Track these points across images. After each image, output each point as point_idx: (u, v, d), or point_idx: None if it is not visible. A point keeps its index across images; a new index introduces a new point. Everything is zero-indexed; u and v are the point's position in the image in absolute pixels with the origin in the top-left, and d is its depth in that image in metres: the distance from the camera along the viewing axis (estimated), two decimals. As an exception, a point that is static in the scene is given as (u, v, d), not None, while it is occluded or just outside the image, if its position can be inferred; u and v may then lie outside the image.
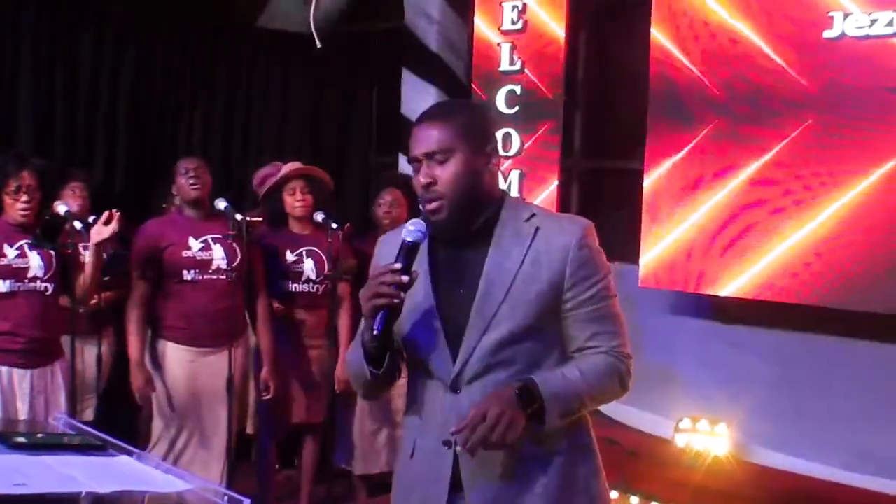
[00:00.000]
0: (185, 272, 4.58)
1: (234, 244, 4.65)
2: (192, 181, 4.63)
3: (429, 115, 2.30)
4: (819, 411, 5.15)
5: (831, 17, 4.91)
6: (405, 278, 2.16)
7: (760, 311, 5.36)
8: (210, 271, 4.61)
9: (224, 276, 4.62)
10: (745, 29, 5.22)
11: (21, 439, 2.31)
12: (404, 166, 6.55)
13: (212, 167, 5.68)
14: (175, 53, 6.04)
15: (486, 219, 2.29)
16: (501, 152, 6.22)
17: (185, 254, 4.58)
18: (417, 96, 6.64)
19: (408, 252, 2.19)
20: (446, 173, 2.23)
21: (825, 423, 5.10)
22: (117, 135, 5.77)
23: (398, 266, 2.16)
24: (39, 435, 2.39)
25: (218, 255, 4.63)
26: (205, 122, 6.19)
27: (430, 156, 2.24)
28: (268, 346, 4.83)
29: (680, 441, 5.43)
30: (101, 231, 4.11)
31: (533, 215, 2.30)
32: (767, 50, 5.14)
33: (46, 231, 4.19)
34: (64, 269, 4.26)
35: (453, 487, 2.26)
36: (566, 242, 2.25)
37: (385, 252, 2.38)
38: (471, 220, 2.27)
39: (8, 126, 5.42)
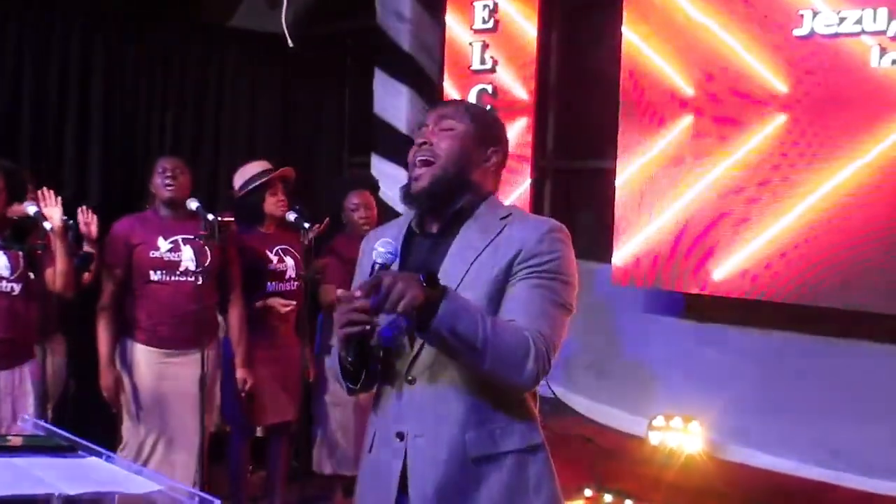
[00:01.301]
0: (152, 272, 4.53)
1: (206, 246, 4.61)
2: (167, 181, 4.58)
3: (444, 102, 2.40)
4: (791, 408, 5.19)
5: (801, 16, 4.94)
6: (369, 303, 2.11)
7: (732, 308, 5.39)
8: (178, 272, 4.57)
9: (192, 278, 4.58)
10: (715, 27, 5.25)
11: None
12: (377, 165, 6.56)
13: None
14: (145, 52, 5.98)
15: (462, 207, 2.31)
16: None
17: (153, 254, 4.53)
18: (390, 96, 6.65)
19: (375, 275, 2.16)
20: (444, 142, 2.31)
21: (797, 420, 5.15)
22: (87, 135, 5.71)
23: (358, 294, 2.12)
24: (7, 437, 2.36)
25: (187, 256, 4.57)
26: (175, 122, 6.14)
27: (437, 120, 2.33)
28: (243, 346, 4.80)
29: (654, 439, 5.45)
30: (52, 212, 4.10)
31: (509, 215, 2.33)
32: (738, 48, 5.17)
33: (16, 232, 4.15)
34: (35, 270, 4.22)
35: (403, 481, 2.26)
36: (529, 233, 2.26)
37: (367, 248, 2.42)
38: (448, 198, 2.30)
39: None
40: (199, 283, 4.55)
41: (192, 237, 4.56)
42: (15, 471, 2.05)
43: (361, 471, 2.45)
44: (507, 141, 2.47)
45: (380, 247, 2.17)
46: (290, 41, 5.69)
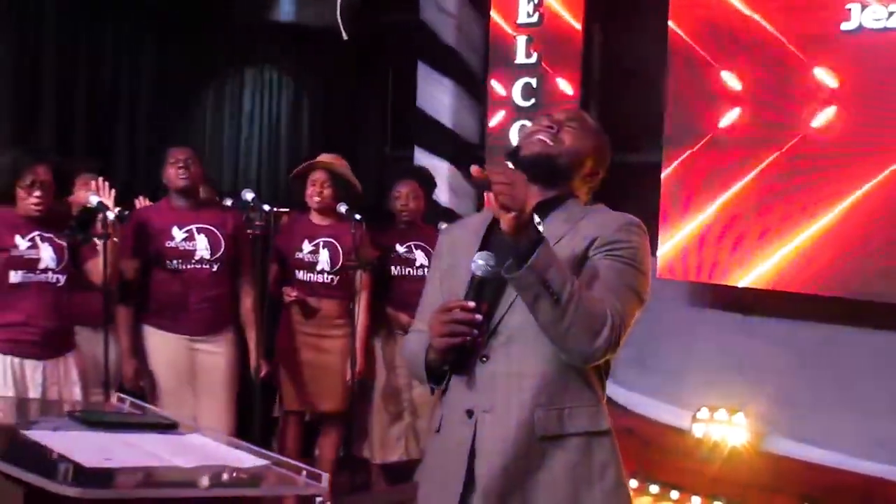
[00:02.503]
0: (168, 261, 4.64)
1: (220, 234, 4.72)
2: (180, 171, 4.71)
3: (584, 113, 2.56)
4: (836, 400, 5.17)
5: (849, 10, 4.91)
6: (479, 317, 2.23)
7: (778, 300, 5.38)
8: (194, 261, 4.68)
9: (207, 266, 4.69)
10: (762, 21, 5.23)
11: (99, 418, 2.36)
12: (420, 159, 6.59)
13: (227, 160, 5.76)
14: (189, 48, 6.07)
15: (550, 199, 2.38)
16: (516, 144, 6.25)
17: (169, 243, 4.65)
18: (433, 89, 6.68)
19: (478, 287, 2.25)
20: (567, 136, 2.40)
21: (842, 413, 5.12)
22: (137, 129, 5.81)
23: (471, 305, 2.23)
24: (114, 415, 2.43)
25: (202, 245, 4.70)
26: (218, 116, 6.22)
27: (568, 119, 2.43)
28: (255, 333, 4.88)
29: (697, 431, 5.46)
30: (106, 203, 4.22)
31: (591, 208, 2.43)
32: (785, 42, 5.16)
33: (80, 222, 4.24)
34: (76, 261, 4.30)
35: (471, 457, 2.31)
36: (608, 223, 2.35)
37: (447, 241, 2.54)
38: (547, 177, 2.37)
39: (30, 120, 5.46)
40: (214, 270, 4.67)
41: (206, 226, 4.67)
42: (129, 445, 2.12)
43: (429, 451, 2.54)
44: (607, 169, 2.54)
45: (480, 259, 2.24)
46: (344, 34, 5.73)
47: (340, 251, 5.05)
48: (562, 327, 2.17)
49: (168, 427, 2.35)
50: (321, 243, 5.06)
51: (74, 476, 1.79)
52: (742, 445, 5.34)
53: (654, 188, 5.63)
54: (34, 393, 4.18)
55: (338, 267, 5.05)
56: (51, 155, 4.42)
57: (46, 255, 4.21)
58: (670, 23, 5.56)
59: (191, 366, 4.71)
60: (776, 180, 5.22)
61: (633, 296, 2.31)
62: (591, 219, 2.36)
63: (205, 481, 1.95)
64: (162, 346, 4.70)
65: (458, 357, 2.30)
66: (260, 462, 2.09)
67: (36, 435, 2.13)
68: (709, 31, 5.45)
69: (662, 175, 5.61)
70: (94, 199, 4.26)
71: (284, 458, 2.22)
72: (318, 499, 2.07)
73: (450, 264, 2.48)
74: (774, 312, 5.49)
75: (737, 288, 5.50)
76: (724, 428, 5.39)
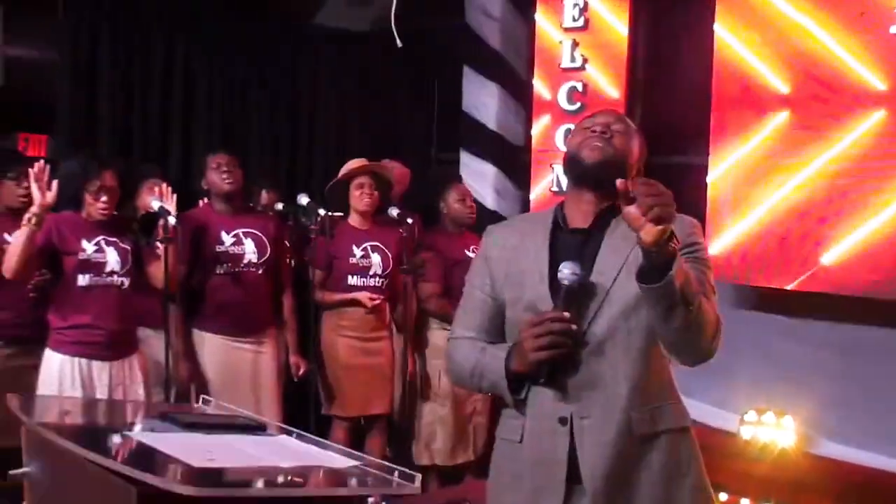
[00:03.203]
0: (218, 265, 4.72)
1: (264, 238, 4.80)
2: (225, 175, 4.78)
3: (621, 114, 2.59)
4: (884, 403, 5.17)
5: (898, 12, 4.93)
6: (574, 326, 2.27)
7: (825, 303, 5.38)
8: (242, 264, 4.76)
9: (254, 269, 4.77)
10: (810, 23, 5.24)
11: (193, 420, 2.42)
12: (466, 161, 6.65)
13: (276, 163, 5.83)
14: (238, 53, 6.15)
15: (611, 206, 2.40)
16: (563, 148, 6.29)
17: (219, 248, 4.73)
18: (479, 93, 6.74)
19: (568, 296, 2.29)
20: (618, 139, 2.45)
21: (890, 415, 5.13)
22: (192, 134, 5.90)
23: (567, 315, 2.26)
24: (206, 416, 2.49)
25: (249, 248, 4.77)
26: (268, 120, 6.29)
27: (612, 122, 2.48)
28: (294, 334, 5.00)
29: (746, 433, 5.47)
30: (168, 208, 4.31)
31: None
32: (833, 44, 5.16)
33: (144, 226, 4.33)
34: (139, 264, 4.39)
35: (571, 464, 2.34)
36: (678, 227, 2.31)
37: (494, 242, 2.55)
38: (607, 185, 2.33)
39: (88, 126, 5.56)
40: (260, 273, 4.75)
41: (251, 230, 4.74)
42: (226, 446, 2.17)
43: (505, 462, 2.50)
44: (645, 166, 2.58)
45: (566, 269, 2.29)
46: (398, 41, 5.79)
47: (389, 255, 5.10)
48: (690, 333, 2.23)
49: (257, 429, 2.41)
50: (370, 247, 5.11)
51: (185, 475, 1.84)
52: (790, 448, 5.36)
53: (701, 190, 5.65)
54: (101, 393, 4.27)
55: (388, 271, 5.10)
56: (116, 161, 4.52)
57: (112, 258, 4.31)
58: (717, 26, 5.58)
59: (241, 367, 4.78)
60: (824, 184, 5.23)
61: (714, 288, 2.39)
62: None
63: (306, 481, 2.00)
64: (212, 348, 4.77)
65: (552, 368, 2.31)
66: (351, 462, 2.14)
67: (138, 435, 2.19)
68: (755, 34, 5.46)
69: (709, 178, 5.62)
70: (156, 204, 4.35)
71: (373, 459, 2.27)
72: (371, 499, 2.11)
73: (508, 272, 2.48)
74: (820, 315, 5.49)
75: (781, 290, 5.51)
76: (773, 430, 5.40)
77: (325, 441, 2.53)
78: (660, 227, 2.09)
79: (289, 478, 2.02)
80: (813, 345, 5.47)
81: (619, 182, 2.13)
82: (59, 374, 4.27)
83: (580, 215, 2.45)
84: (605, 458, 2.33)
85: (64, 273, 4.30)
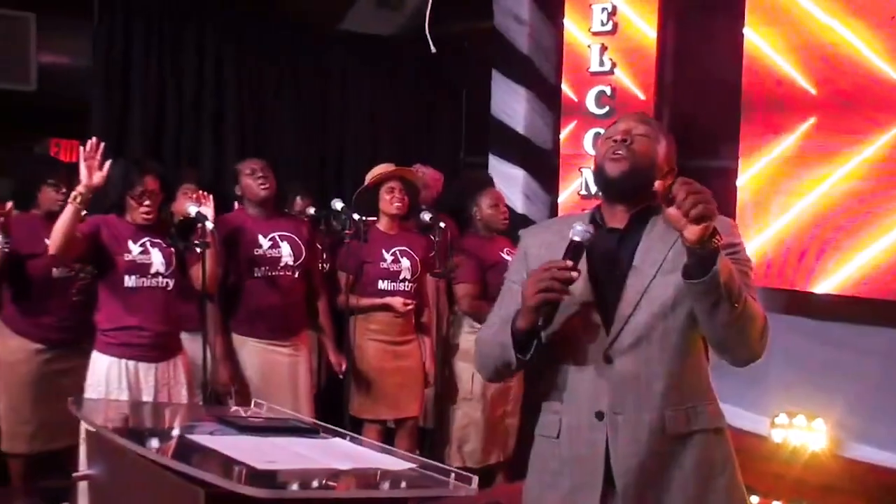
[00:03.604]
0: (256, 268, 4.77)
1: (299, 241, 4.85)
2: (260, 181, 4.84)
3: (641, 114, 2.61)
4: None
5: (929, 16, 4.93)
6: (575, 274, 2.28)
7: (853, 307, 5.38)
8: (279, 267, 4.81)
9: (290, 273, 4.82)
10: (839, 27, 5.25)
11: (248, 423, 2.46)
12: (494, 165, 6.68)
13: (307, 168, 5.88)
14: (268, 57, 6.20)
15: (646, 208, 2.45)
16: (593, 152, 6.29)
17: (257, 251, 4.78)
18: (507, 97, 6.77)
19: (575, 250, 2.32)
20: (641, 145, 2.45)
21: None
22: (223, 139, 5.95)
23: (570, 263, 2.29)
24: (258, 420, 2.53)
25: (286, 252, 4.83)
26: (299, 125, 6.34)
27: (635, 125, 2.49)
28: (332, 333, 5.08)
29: (776, 436, 5.48)
30: (206, 212, 4.35)
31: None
32: (863, 49, 5.17)
33: (181, 230, 4.39)
34: (182, 267, 4.44)
35: (607, 458, 2.37)
36: (719, 225, 2.36)
37: (534, 241, 2.59)
38: (635, 193, 2.44)
39: (121, 132, 5.61)
40: (296, 276, 4.81)
41: (286, 234, 4.80)
42: (283, 449, 2.21)
43: (542, 460, 2.53)
44: (675, 173, 2.58)
45: (578, 226, 2.34)
46: (432, 47, 5.83)
47: (417, 260, 5.15)
48: (735, 329, 2.25)
49: (311, 431, 2.44)
50: (398, 252, 5.15)
51: (251, 477, 1.88)
52: (821, 451, 5.36)
53: (730, 194, 5.66)
54: (147, 395, 4.33)
55: (416, 275, 5.15)
56: (157, 166, 4.57)
57: (157, 260, 4.37)
58: (746, 30, 5.59)
59: (278, 370, 4.82)
60: (854, 188, 5.23)
61: (754, 288, 2.41)
62: None
63: (367, 483, 2.03)
64: (250, 351, 4.82)
65: (548, 315, 2.33)
66: (407, 465, 2.17)
67: (199, 438, 2.23)
68: (785, 37, 5.48)
69: (738, 181, 5.64)
70: (193, 209, 4.39)
71: (428, 461, 2.31)
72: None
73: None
74: (852, 319, 5.49)
75: (811, 294, 5.51)
76: (803, 433, 5.41)
77: (378, 443, 2.57)
78: (702, 225, 2.11)
79: (351, 480, 2.05)
80: (843, 348, 5.47)
81: (657, 184, 2.20)
82: (105, 375, 4.33)
83: (616, 218, 2.49)
84: (636, 455, 2.36)
85: (110, 275, 4.36)
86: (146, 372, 4.37)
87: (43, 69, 6.47)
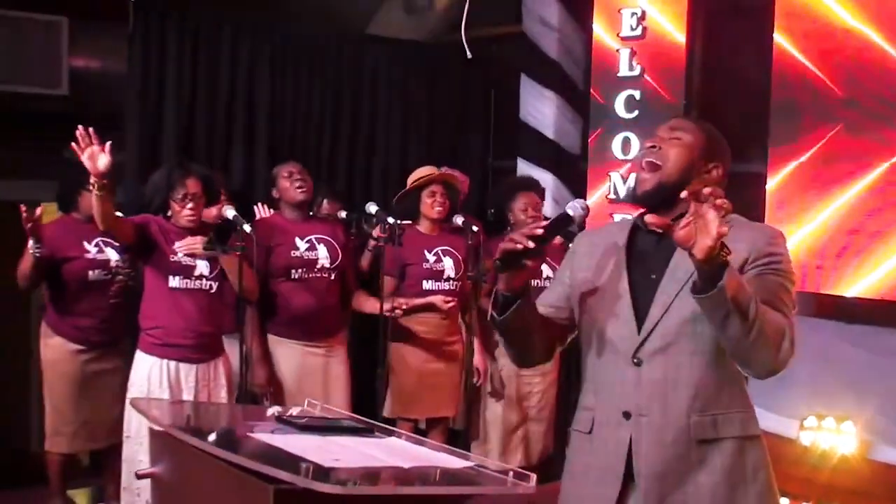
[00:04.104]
0: (293, 271, 4.83)
1: (335, 244, 4.91)
2: (298, 184, 4.92)
3: (685, 116, 2.56)
4: None
5: (960, 20, 4.96)
6: (539, 231, 2.36)
7: (881, 310, 5.40)
8: (316, 269, 4.87)
9: (327, 275, 4.88)
10: (869, 32, 5.26)
11: (307, 422, 2.50)
12: (523, 170, 6.71)
13: (335, 172, 5.94)
14: (298, 61, 6.24)
15: (684, 213, 2.43)
16: (622, 156, 6.36)
17: (294, 253, 4.85)
18: (536, 101, 6.80)
19: (559, 220, 2.44)
20: (672, 149, 2.49)
21: None
22: (254, 142, 6.00)
23: (543, 224, 2.39)
24: (316, 420, 2.57)
25: (322, 254, 4.90)
26: (327, 129, 6.37)
27: (669, 130, 2.52)
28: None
29: (805, 439, 5.49)
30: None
31: (729, 221, 2.46)
32: (893, 52, 5.19)
33: (219, 234, 4.45)
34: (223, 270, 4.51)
35: (630, 457, 2.42)
36: (758, 236, 2.44)
37: (584, 240, 2.70)
38: (669, 201, 2.45)
39: (154, 137, 5.67)
40: (332, 278, 4.87)
41: (323, 236, 4.86)
42: (345, 448, 2.25)
43: (576, 454, 2.60)
44: (729, 159, 2.63)
45: (576, 202, 2.46)
46: (468, 52, 5.87)
47: (461, 260, 5.20)
48: (748, 342, 2.25)
49: (366, 431, 2.49)
50: (441, 252, 5.21)
51: (319, 474, 1.92)
52: (850, 454, 5.37)
53: (759, 198, 5.68)
54: (187, 395, 4.41)
55: (460, 275, 5.19)
56: (200, 168, 4.64)
57: (201, 262, 4.45)
58: (776, 35, 5.61)
59: (314, 371, 4.89)
60: (883, 192, 5.25)
61: (792, 307, 2.41)
62: (739, 232, 2.40)
63: (433, 480, 2.08)
64: (286, 353, 4.89)
65: (509, 261, 2.37)
66: (466, 463, 2.22)
67: (263, 437, 2.27)
68: (815, 42, 5.50)
69: (767, 185, 5.66)
70: (230, 213, 4.46)
71: (484, 459, 2.36)
72: None
73: (590, 265, 2.60)
74: (881, 322, 5.51)
75: (841, 297, 5.53)
76: (833, 436, 5.42)
77: (433, 442, 2.62)
78: (708, 244, 2.13)
79: (414, 478, 2.09)
80: (873, 351, 5.48)
81: (683, 193, 2.21)
82: (147, 375, 4.41)
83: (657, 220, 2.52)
84: (659, 457, 2.40)
85: (155, 275, 4.43)
86: (187, 372, 4.44)
87: (74, 73, 6.53)
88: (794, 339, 2.35)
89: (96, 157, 4.01)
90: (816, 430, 5.47)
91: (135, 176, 5.41)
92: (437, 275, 5.19)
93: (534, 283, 5.14)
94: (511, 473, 2.11)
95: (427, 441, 2.54)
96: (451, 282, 5.21)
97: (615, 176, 6.39)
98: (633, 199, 2.54)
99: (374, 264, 5.27)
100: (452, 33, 6.98)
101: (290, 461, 1.97)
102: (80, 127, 4.03)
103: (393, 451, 2.28)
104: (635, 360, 2.44)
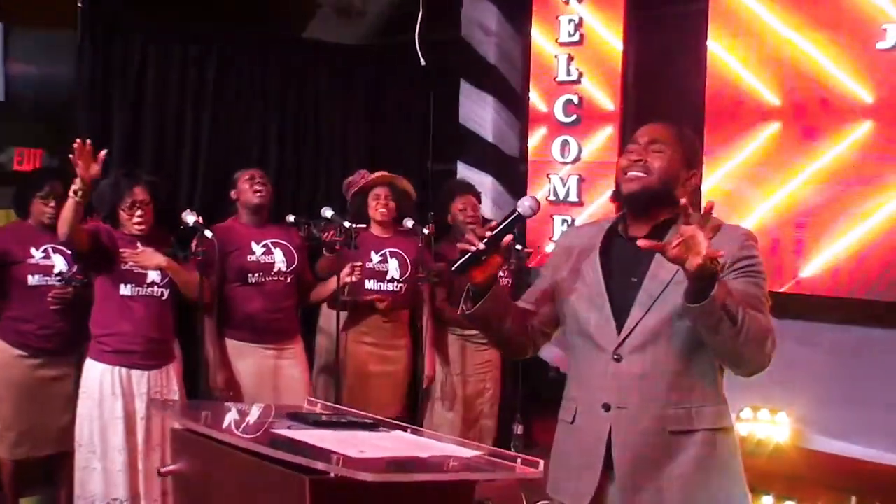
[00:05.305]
0: (249, 275, 4.88)
1: (291, 248, 4.97)
2: (257, 188, 4.96)
3: (660, 121, 2.71)
4: (871, 399, 5.38)
5: (884, 29, 5.18)
6: (488, 233, 2.50)
7: (814, 305, 5.60)
8: (272, 273, 4.93)
9: (283, 279, 4.94)
10: (799, 39, 5.51)
11: (318, 418, 2.56)
12: (463, 173, 6.82)
13: (279, 175, 5.96)
14: (239, 65, 6.23)
15: (665, 220, 2.61)
16: (560, 159, 6.52)
17: (250, 258, 4.90)
18: (475, 105, 6.93)
19: (511, 219, 2.54)
20: (656, 160, 2.60)
21: (874, 410, 5.34)
22: (201, 151, 6.00)
23: (492, 225, 2.53)
24: (324, 417, 2.63)
25: (279, 258, 4.96)
26: (276, 134, 6.36)
27: (650, 142, 2.62)
28: None
29: (742, 430, 5.70)
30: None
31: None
32: (823, 60, 5.43)
33: (181, 240, 4.47)
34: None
35: (608, 447, 2.55)
36: (732, 241, 2.55)
37: (564, 242, 2.84)
38: (652, 207, 2.60)
39: (101, 145, 5.62)
40: (288, 282, 4.94)
41: (279, 241, 4.92)
42: (363, 440, 2.29)
43: (561, 443, 2.72)
44: (702, 161, 2.77)
45: (526, 201, 2.56)
46: (422, 59, 5.95)
47: (408, 262, 5.27)
48: (738, 344, 2.38)
49: (373, 425, 2.57)
50: (388, 253, 5.28)
51: (349, 465, 1.99)
52: (785, 443, 5.60)
53: (696, 199, 5.86)
54: (140, 402, 4.43)
55: (406, 276, 5.26)
56: (147, 176, 4.64)
57: (153, 270, 4.43)
58: (710, 42, 5.82)
59: (273, 374, 4.93)
60: (813, 192, 5.49)
61: (767, 308, 2.55)
62: (716, 239, 2.47)
63: (457, 468, 2.17)
64: (245, 357, 4.91)
65: (465, 263, 2.50)
66: (474, 452, 2.32)
67: (283, 432, 2.33)
68: (747, 49, 5.72)
69: (704, 186, 5.84)
70: (190, 219, 4.49)
71: (492, 448, 2.47)
72: None
73: (570, 268, 2.71)
74: (810, 316, 5.71)
75: (774, 293, 5.69)
76: (768, 427, 5.64)
77: (437, 434, 2.72)
78: (698, 262, 2.24)
79: (435, 466, 2.18)
80: (804, 345, 5.70)
81: (682, 201, 2.35)
82: (99, 383, 4.40)
83: (637, 227, 2.65)
84: (636, 447, 2.53)
85: (105, 283, 4.43)
86: (139, 379, 4.45)
87: (10, 79, 6.46)
88: (775, 338, 2.50)
89: (88, 164, 4.07)
90: (752, 422, 5.68)
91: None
92: (380, 275, 5.25)
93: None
94: (519, 460, 2.22)
95: (430, 433, 2.63)
96: (395, 283, 5.28)
97: (555, 178, 6.56)
98: (619, 197, 2.65)
99: (329, 267, 5.30)
100: (387, 37, 7.07)
101: (321, 453, 2.05)
102: (78, 140, 4.12)
103: (405, 444, 2.37)
104: (615, 357, 2.57)
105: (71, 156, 4.08)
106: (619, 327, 2.57)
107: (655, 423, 2.53)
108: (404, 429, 2.55)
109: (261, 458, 2.05)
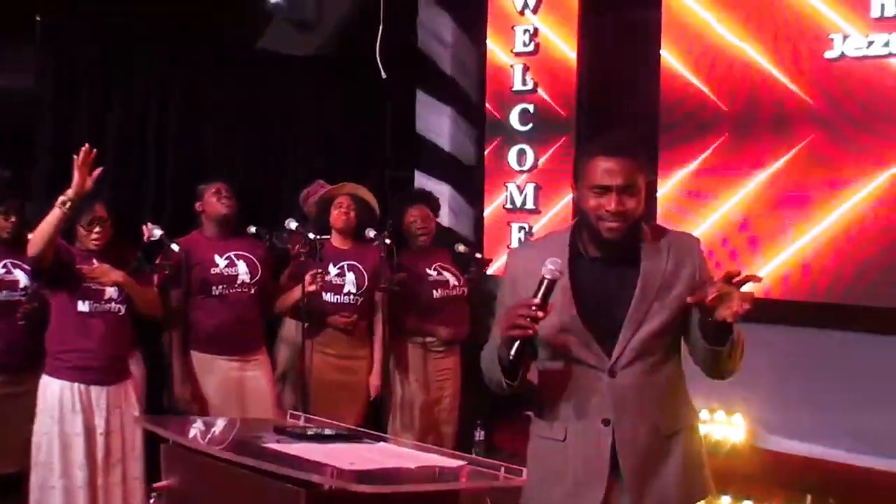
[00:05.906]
0: (213, 287, 4.90)
1: (255, 259, 5.00)
2: (224, 200, 4.97)
3: (620, 150, 2.64)
4: (823, 400, 5.50)
5: (832, 39, 5.35)
6: (541, 314, 2.51)
7: (766, 309, 5.69)
8: (236, 285, 4.95)
9: (247, 290, 4.97)
10: (750, 50, 5.65)
11: (304, 431, 2.60)
12: (420, 181, 6.88)
13: (240, 188, 5.97)
14: (191, 78, 6.24)
15: (633, 237, 2.70)
16: (517, 167, 6.61)
17: (213, 270, 4.91)
18: (432, 115, 6.99)
19: (547, 288, 2.54)
20: (632, 205, 2.63)
21: (824, 411, 5.49)
22: (165, 163, 6.00)
23: (537, 301, 2.51)
24: (310, 430, 2.66)
25: (242, 270, 4.97)
26: (223, 144, 6.36)
27: (624, 187, 2.61)
28: None
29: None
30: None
31: (662, 235, 2.76)
32: (772, 69, 5.57)
33: (147, 255, 4.47)
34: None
35: (612, 459, 2.65)
36: (691, 251, 2.75)
37: (520, 265, 2.79)
38: (629, 237, 2.68)
39: (63, 157, 5.60)
40: (252, 293, 4.96)
41: (243, 253, 4.95)
42: (352, 453, 2.33)
43: (545, 461, 2.76)
44: (656, 163, 2.89)
45: (549, 264, 2.54)
46: (383, 72, 5.99)
47: (365, 274, 5.29)
48: (734, 361, 2.63)
49: (357, 437, 2.61)
50: (346, 266, 5.29)
51: (347, 476, 2.04)
52: (740, 443, 5.74)
53: (651, 206, 5.98)
54: (99, 417, 4.41)
55: (363, 290, 5.29)
56: (105, 192, 4.63)
57: (110, 286, 4.43)
58: (663, 52, 5.95)
59: (238, 386, 4.94)
60: (762, 199, 5.64)
61: None
62: (677, 252, 2.72)
63: (434, 479, 2.22)
64: (210, 369, 4.92)
65: (521, 348, 2.53)
66: (459, 462, 2.37)
67: (274, 446, 2.36)
68: (700, 59, 5.86)
69: (658, 193, 5.98)
70: (157, 233, 4.50)
71: (478, 458, 2.53)
72: None
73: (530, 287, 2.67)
74: (766, 319, 5.78)
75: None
76: (724, 428, 5.78)
77: (422, 444, 2.77)
78: (730, 316, 2.45)
79: (424, 477, 2.24)
80: (757, 348, 5.79)
81: (689, 299, 2.51)
82: (59, 399, 4.38)
83: (597, 247, 2.71)
84: (638, 454, 2.66)
85: (63, 299, 4.41)
86: (98, 395, 4.43)
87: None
88: None
89: (86, 176, 4.05)
90: (709, 423, 5.80)
91: (43, 195, 5.33)
92: (337, 289, 5.26)
93: (445, 292, 5.40)
94: (503, 469, 2.28)
95: (415, 444, 2.69)
96: (351, 296, 5.30)
97: (512, 186, 6.65)
98: (603, 242, 2.66)
99: (292, 278, 5.32)
100: (343, 48, 7.10)
101: (315, 466, 2.09)
102: (83, 149, 4.07)
103: (391, 455, 2.42)
104: (610, 374, 2.66)
105: (78, 163, 4.03)
106: (611, 347, 2.66)
107: (653, 429, 2.67)
108: (386, 440, 2.60)
109: (255, 472, 2.10)
